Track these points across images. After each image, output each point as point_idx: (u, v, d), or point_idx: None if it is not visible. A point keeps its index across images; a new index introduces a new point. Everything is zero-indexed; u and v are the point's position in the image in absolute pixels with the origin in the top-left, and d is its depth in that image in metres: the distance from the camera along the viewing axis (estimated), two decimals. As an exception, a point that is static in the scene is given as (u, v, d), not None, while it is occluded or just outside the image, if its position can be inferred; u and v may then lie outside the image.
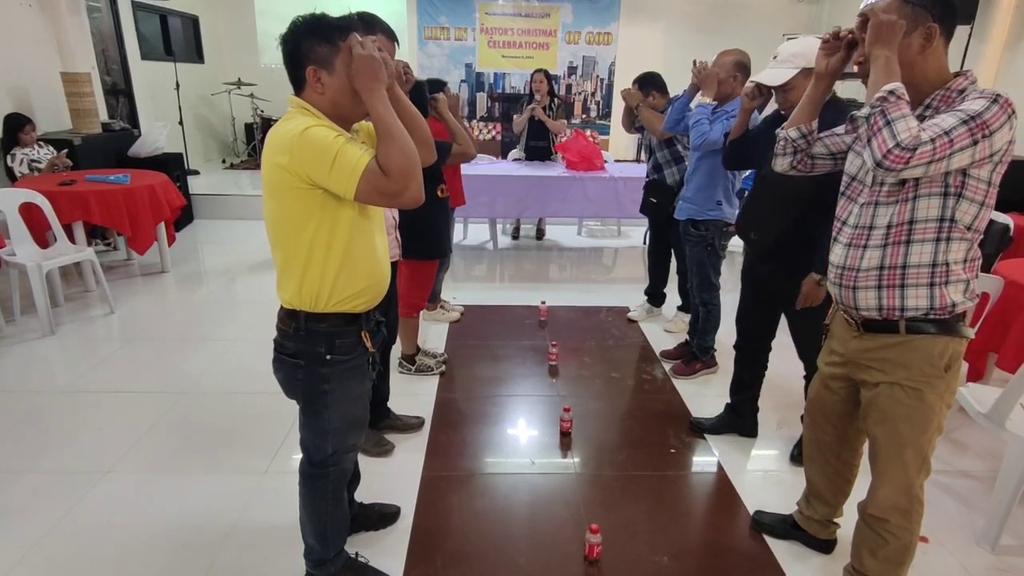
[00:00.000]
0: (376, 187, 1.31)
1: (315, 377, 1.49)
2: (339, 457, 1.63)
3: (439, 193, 2.71)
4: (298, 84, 1.40)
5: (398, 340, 2.83)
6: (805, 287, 2.10)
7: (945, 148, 1.28)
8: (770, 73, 2.09)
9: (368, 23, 1.91)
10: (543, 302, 3.82)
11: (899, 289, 1.46)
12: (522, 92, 7.97)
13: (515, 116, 5.31)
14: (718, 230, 2.91)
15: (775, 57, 2.11)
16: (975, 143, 1.28)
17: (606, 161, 5.37)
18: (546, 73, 5.06)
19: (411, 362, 3.06)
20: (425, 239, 2.69)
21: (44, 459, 2.34)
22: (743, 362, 2.51)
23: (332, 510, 1.69)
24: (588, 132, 8.68)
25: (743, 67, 2.77)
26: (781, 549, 2.00)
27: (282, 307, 1.50)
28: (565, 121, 5.24)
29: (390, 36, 2.00)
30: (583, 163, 4.92)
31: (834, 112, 1.89)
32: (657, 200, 3.49)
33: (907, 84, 1.36)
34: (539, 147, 5.28)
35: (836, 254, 1.58)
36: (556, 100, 5.09)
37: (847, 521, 1.92)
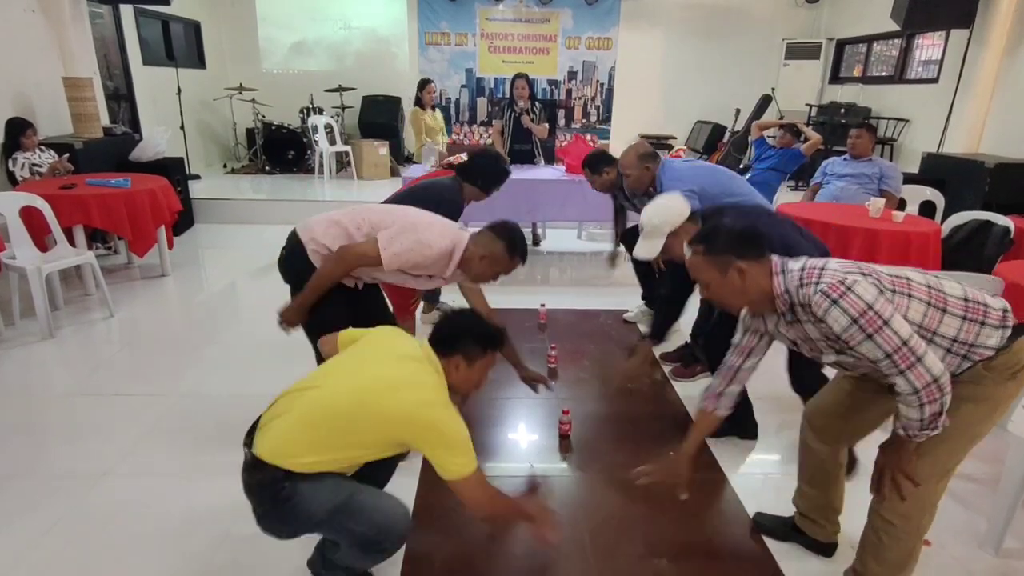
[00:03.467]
0: (474, 489, 1.48)
1: (279, 503, 1.45)
2: (382, 531, 1.55)
3: None
4: (446, 351, 1.58)
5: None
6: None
7: (911, 351, 1.35)
8: (643, 247, 2.29)
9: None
10: (542, 305, 3.82)
11: (941, 399, 1.41)
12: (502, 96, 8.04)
13: (494, 121, 5.38)
14: None
15: (641, 230, 2.33)
16: (887, 321, 1.35)
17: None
18: (527, 78, 5.16)
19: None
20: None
21: (43, 463, 2.34)
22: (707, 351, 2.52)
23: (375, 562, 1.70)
24: (588, 137, 8.74)
25: (646, 156, 2.90)
26: (781, 551, 1.98)
27: (255, 459, 1.45)
28: (547, 125, 5.31)
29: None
30: (581, 167, 4.91)
31: None
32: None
33: (752, 304, 1.57)
34: (523, 151, 5.33)
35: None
36: (537, 104, 5.17)
37: (847, 526, 1.92)
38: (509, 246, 2.11)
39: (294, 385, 1.58)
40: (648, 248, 2.27)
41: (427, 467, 2.37)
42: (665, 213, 2.25)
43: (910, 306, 1.42)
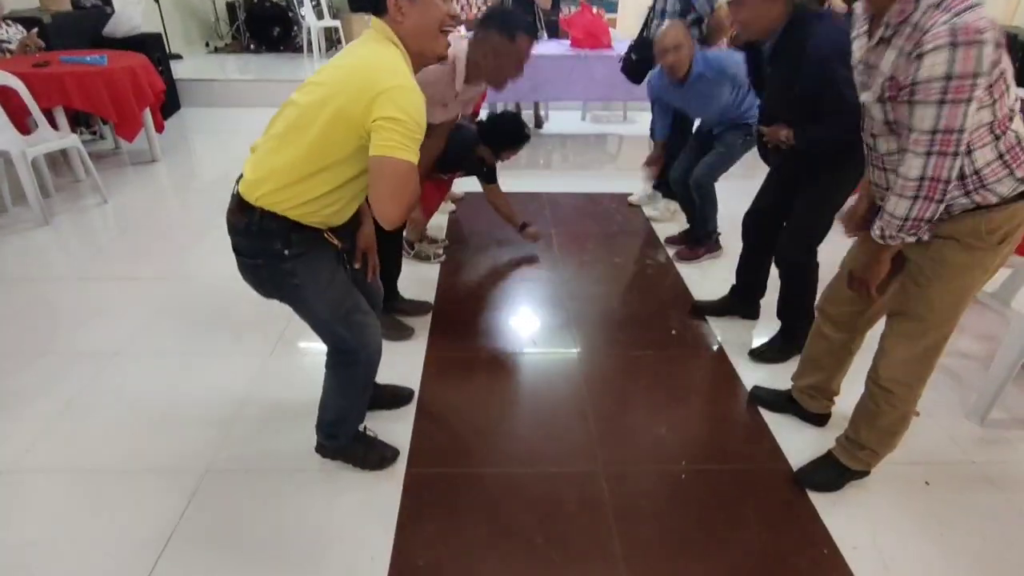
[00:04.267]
0: (395, 180, 1.27)
1: (280, 274, 1.44)
2: (365, 344, 1.60)
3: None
4: (377, 8, 1.37)
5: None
6: (774, 132, 2.07)
7: (948, 143, 1.25)
8: None
9: None
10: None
11: (937, 203, 1.35)
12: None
13: None
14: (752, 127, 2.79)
15: None
16: (969, 100, 1.21)
17: (612, 39, 5.03)
18: None
19: (410, 247, 3.03)
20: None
21: (53, 344, 2.37)
22: (751, 233, 2.44)
23: (359, 397, 1.73)
24: (594, 9, 8.12)
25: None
26: (776, 421, 2.06)
27: (238, 197, 1.42)
28: None
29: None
30: (589, 40, 4.61)
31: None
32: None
33: None
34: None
35: (872, 174, 1.56)
36: None
37: (842, 401, 1.97)
38: (507, 30, 1.95)
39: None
40: None
41: (436, 329, 2.43)
42: None
43: (984, 108, 1.27)
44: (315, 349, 2.38)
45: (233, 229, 1.45)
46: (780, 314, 2.40)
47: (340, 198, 1.42)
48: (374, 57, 1.33)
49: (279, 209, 1.38)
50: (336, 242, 1.51)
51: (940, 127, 1.24)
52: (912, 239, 1.39)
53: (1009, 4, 5.21)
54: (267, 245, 1.41)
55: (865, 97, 1.43)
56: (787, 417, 2.07)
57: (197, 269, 2.93)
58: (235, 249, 1.47)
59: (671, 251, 3.22)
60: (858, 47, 1.46)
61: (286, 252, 1.41)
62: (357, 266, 1.70)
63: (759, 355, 2.41)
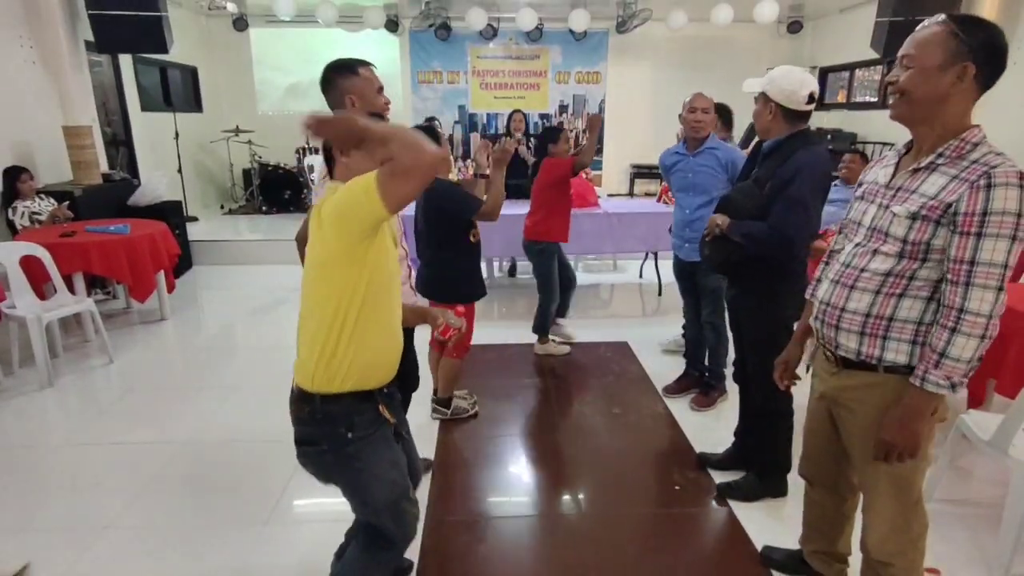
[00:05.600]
0: (393, 174, 1.22)
1: (344, 459, 1.47)
2: (405, 532, 1.59)
3: (471, 238, 2.81)
4: (330, 169, 1.52)
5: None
6: (712, 221, 2.24)
7: (1007, 280, 1.27)
8: (752, 81, 2.20)
9: None
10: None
11: (881, 340, 1.45)
12: (497, 133, 8.25)
13: (506, 142, 5.55)
14: None
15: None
16: (1016, 240, 1.27)
17: (599, 197, 5.45)
18: (523, 113, 5.59)
19: (447, 406, 3.03)
20: (461, 284, 2.81)
21: (43, 515, 2.31)
22: (739, 387, 2.52)
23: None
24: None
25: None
26: (792, 586, 1.97)
27: (296, 391, 1.48)
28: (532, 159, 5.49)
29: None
30: (577, 200, 4.97)
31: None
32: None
33: (925, 121, 1.37)
34: (517, 185, 5.41)
35: (823, 289, 1.59)
36: (532, 139, 5.38)
37: (856, 558, 1.91)
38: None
39: None
40: (752, 84, 2.16)
41: (436, 490, 2.37)
42: (783, 78, 2.06)
43: None
44: (312, 516, 2.32)
45: (297, 420, 1.49)
46: (754, 456, 2.45)
47: (379, 349, 1.44)
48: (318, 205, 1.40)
49: (333, 387, 1.41)
50: (391, 417, 1.53)
51: (1010, 263, 1.26)
52: (963, 387, 1.34)
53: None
54: (331, 430, 1.44)
55: (897, 210, 1.40)
56: (803, 580, 1.98)
57: (195, 431, 2.92)
58: (298, 441, 1.49)
59: (668, 401, 3.24)
60: (883, 175, 1.49)
61: (349, 435, 1.44)
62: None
63: (730, 491, 2.41)
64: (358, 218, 1.28)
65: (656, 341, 4.01)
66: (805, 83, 2.07)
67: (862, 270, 1.48)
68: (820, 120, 8.33)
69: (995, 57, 1.32)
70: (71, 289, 3.81)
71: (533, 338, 3.92)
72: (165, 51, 5.24)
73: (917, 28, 1.38)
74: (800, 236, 2.10)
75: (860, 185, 1.59)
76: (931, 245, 1.36)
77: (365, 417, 1.47)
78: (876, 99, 7.59)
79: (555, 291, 3.77)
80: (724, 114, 3.52)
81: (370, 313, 1.40)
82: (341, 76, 1.95)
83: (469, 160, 8.81)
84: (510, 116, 5.57)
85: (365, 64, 2.00)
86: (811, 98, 2.06)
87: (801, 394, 2.08)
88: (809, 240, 2.16)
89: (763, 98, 2.11)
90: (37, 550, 2.11)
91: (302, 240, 2.03)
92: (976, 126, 1.36)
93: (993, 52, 1.31)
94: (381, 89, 2.03)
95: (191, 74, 7.83)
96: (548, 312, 3.81)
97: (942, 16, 1.35)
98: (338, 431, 1.44)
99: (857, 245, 1.52)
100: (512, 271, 5.83)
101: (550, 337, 3.91)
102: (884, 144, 7.04)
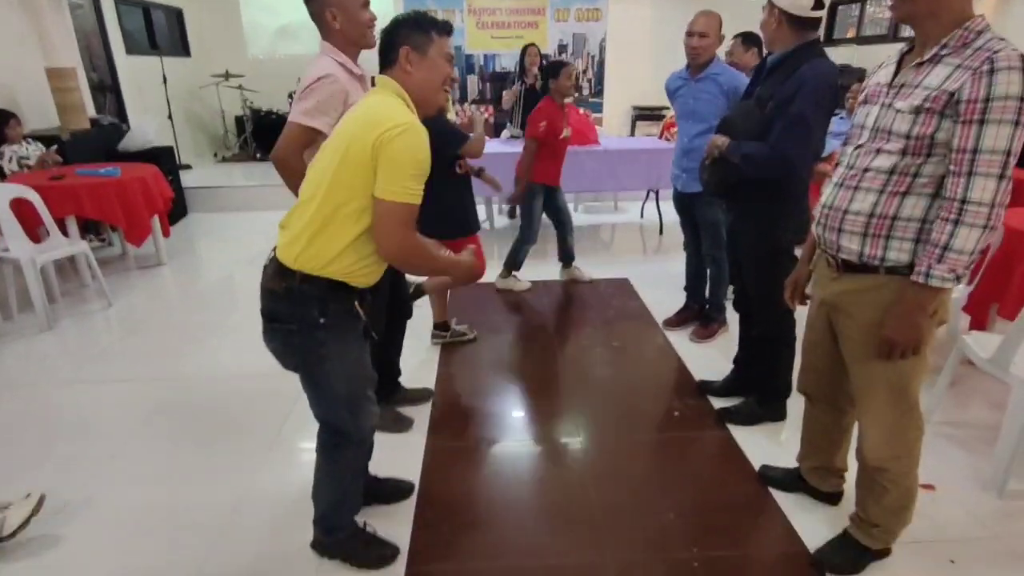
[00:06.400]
0: (395, 219, 1.37)
1: (311, 342, 1.46)
2: (361, 426, 1.61)
3: (457, 169, 2.72)
4: (387, 62, 1.48)
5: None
6: (712, 142, 2.17)
7: (1011, 167, 1.24)
8: None
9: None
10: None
11: (884, 239, 1.43)
12: (511, 70, 7.93)
13: (504, 92, 5.30)
14: None
15: None
16: (1020, 125, 1.22)
17: (599, 134, 5.32)
18: (538, 48, 5.11)
19: (445, 329, 3.09)
20: (450, 217, 2.73)
21: (51, 450, 2.34)
22: (740, 316, 2.51)
23: (351, 482, 1.70)
24: (582, 111, 8.65)
25: (721, 26, 2.84)
26: (788, 501, 2.00)
27: (275, 264, 1.47)
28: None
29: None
30: (577, 137, 4.87)
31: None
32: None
33: (930, 14, 1.31)
34: None
35: (826, 194, 1.56)
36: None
37: (852, 474, 1.92)
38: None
39: None
40: None
41: (436, 418, 2.39)
42: None
43: None
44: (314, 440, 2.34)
45: (270, 295, 1.47)
46: (755, 382, 2.45)
47: (366, 253, 1.45)
48: (378, 104, 1.43)
49: (315, 268, 1.41)
50: (363, 314, 1.53)
51: (1014, 149, 1.23)
52: (964, 280, 1.34)
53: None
54: (304, 311, 1.43)
55: (900, 105, 1.37)
56: (800, 496, 2.01)
57: (196, 369, 2.93)
58: (268, 315, 1.48)
59: (668, 334, 3.24)
60: (884, 75, 1.46)
61: (321, 320, 1.44)
62: None
63: (729, 415, 2.43)
64: (379, 173, 1.35)
65: (657, 277, 3.98)
66: None
67: (865, 170, 1.44)
68: (830, 56, 8.05)
69: None
70: (64, 233, 3.77)
71: (538, 275, 3.91)
72: (146, -13, 5.03)
73: None
74: (801, 157, 2.02)
75: (863, 90, 1.53)
76: (935, 139, 1.32)
77: (339, 306, 1.46)
78: (886, 33, 7.32)
79: (533, 231, 3.73)
80: (754, 42, 3.37)
81: (369, 241, 1.43)
82: None
83: (467, 104, 8.60)
84: (523, 51, 5.17)
85: None
86: (818, 2, 1.95)
87: (803, 319, 2.06)
88: (811, 161, 2.08)
89: (769, 6, 2.01)
90: (48, 483, 2.13)
91: (279, 161, 1.98)
92: (980, 15, 1.30)
93: None
94: (366, 4, 1.93)
95: (176, 16, 7.55)
96: (520, 249, 3.80)
97: None
98: (311, 313, 1.43)
99: (859, 147, 1.48)
100: (512, 213, 5.76)
101: (512, 273, 3.90)
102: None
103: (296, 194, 1.86)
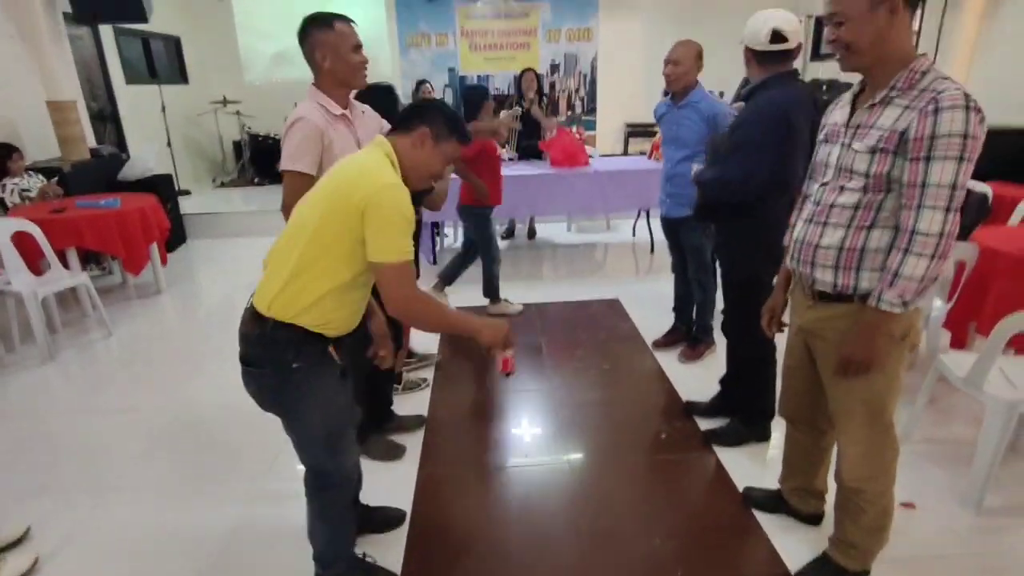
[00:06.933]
0: (397, 279, 1.42)
1: (286, 386, 1.49)
2: (342, 466, 1.65)
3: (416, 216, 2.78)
4: (402, 126, 1.54)
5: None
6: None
7: (959, 200, 1.32)
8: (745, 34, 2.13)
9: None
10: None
11: (855, 271, 1.50)
12: (507, 93, 8.03)
13: (502, 113, 5.39)
14: None
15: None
16: (973, 162, 1.31)
17: (591, 156, 5.41)
18: (535, 72, 5.21)
19: (410, 356, 3.14)
20: None
21: (49, 480, 2.39)
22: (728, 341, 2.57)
23: (342, 518, 1.74)
24: (575, 128, 8.76)
25: (700, 56, 2.88)
26: (771, 523, 2.04)
27: (250, 310, 1.51)
28: (555, 118, 5.34)
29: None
30: (567, 160, 4.97)
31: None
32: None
33: (877, 62, 1.40)
34: (531, 145, 5.35)
35: (797, 229, 1.63)
36: (545, 98, 5.20)
37: (832, 495, 1.97)
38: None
39: None
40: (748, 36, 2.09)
41: (428, 444, 2.44)
42: (755, 21, 2.04)
43: None
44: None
45: (245, 339, 1.51)
46: (738, 404, 2.51)
47: (342, 303, 1.49)
48: (366, 163, 1.47)
49: (288, 316, 1.45)
50: (339, 359, 1.56)
51: (959, 183, 1.30)
52: (917, 304, 1.42)
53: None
54: (277, 355, 1.46)
55: (857, 146, 1.44)
56: (782, 517, 2.06)
57: (195, 396, 2.99)
58: (244, 359, 1.52)
59: (657, 354, 3.30)
60: (840, 116, 1.53)
61: (295, 364, 1.47)
62: (379, 358, 1.80)
63: (715, 437, 2.49)
64: (367, 234, 1.40)
65: (647, 297, 4.05)
66: (768, 20, 2.02)
67: (831, 206, 1.52)
68: (816, 71, 8.18)
69: None
70: (65, 265, 3.84)
71: (530, 297, 3.97)
72: (144, 20, 5.15)
73: None
74: (751, 180, 2.05)
75: (823, 128, 1.61)
76: (891, 176, 1.40)
77: (314, 348, 1.49)
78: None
79: (495, 251, 3.79)
80: None
81: (344, 293, 1.48)
82: (316, 28, 1.95)
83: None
84: (520, 76, 5.25)
85: (343, 19, 1.98)
86: (775, 36, 2.01)
87: (783, 340, 2.12)
88: (777, 188, 2.08)
89: (744, 46, 2.11)
90: (43, 514, 2.19)
91: (288, 210, 2.03)
92: (922, 55, 1.39)
93: None
94: (358, 47, 2.00)
95: (174, 44, 7.69)
96: (493, 273, 3.84)
97: None
98: (284, 357, 1.46)
99: (824, 185, 1.56)
100: (509, 233, 5.83)
101: (503, 299, 3.95)
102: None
103: None
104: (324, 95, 1.99)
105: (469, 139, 1.61)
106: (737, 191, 2.10)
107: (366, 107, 2.19)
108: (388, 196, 1.39)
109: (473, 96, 3.56)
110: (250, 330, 1.49)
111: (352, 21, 2.00)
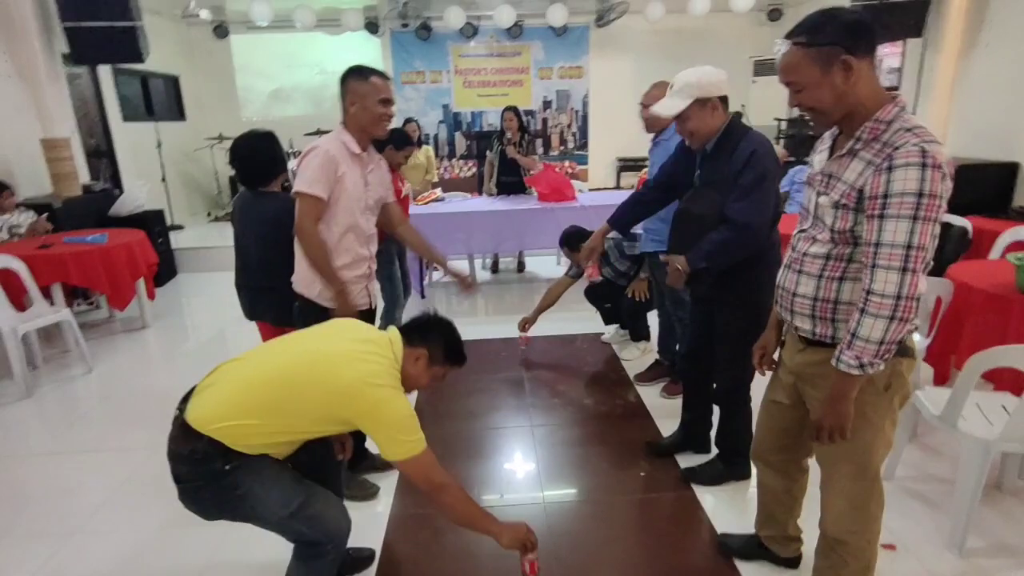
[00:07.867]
0: (415, 470, 1.54)
1: (223, 490, 1.45)
2: (325, 529, 1.60)
3: None
4: (410, 339, 1.65)
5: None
6: (671, 264, 2.15)
7: (919, 260, 1.27)
8: (666, 103, 2.12)
9: None
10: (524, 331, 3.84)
11: (831, 322, 1.47)
12: (500, 128, 8.16)
13: (488, 153, 5.48)
14: None
15: (671, 87, 2.15)
16: (935, 221, 1.26)
17: (579, 191, 5.47)
18: (516, 110, 5.22)
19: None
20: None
21: (17, 523, 2.34)
22: (688, 374, 2.55)
23: None
24: (567, 163, 8.88)
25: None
26: (748, 570, 1.99)
27: (182, 427, 1.45)
28: (536, 156, 5.38)
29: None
30: (554, 194, 5.01)
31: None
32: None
33: (846, 116, 1.36)
34: (511, 182, 5.40)
35: (779, 274, 1.62)
36: (526, 136, 5.25)
37: (811, 537, 1.93)
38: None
39: (236, 357, 1.60)
40: (670, 105, 2.09)
41: (403, 483, 2.38)
42: (704, 75, 2.07)
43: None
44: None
45: (174, 457, 1.47)
46: (716, 443, 2.48)
47: (292, 444, 1.56)
48: (371, 353, 1.53)
49: (228, 441, 1.43)
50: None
51: (914, 243, 1.24)
52: (882, 367, 1.34)
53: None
54: (207, 468, 1.44)
55: (822, 200, 1.44)
56: (760, 564, 2.00)
57: (163, 436, 2.94)
58: (175, 478, 1.48)
59: (640, 389, 3.27)
60: (819, 160, 1.51)
61: (226, 468, 1.44)
62: (341, 457, 1.84)
63: (694, 475, 2.44)
64: (375, 434, 1.50)
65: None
66: (706, 70, 2.10)
67: (804, 254, 1.50)
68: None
69: (858, 30, 1.31)
70: (49, 299, 3.84)
71: (515, 333, 3.94)
72: (140, 60, 5.25)
73: (776, 55, 1.39)
74: (762, 224, 2.04)
75: (808, 171, 1.59)
76: (855, 231, 1.38)
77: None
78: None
79: (397, 292, 3.61)
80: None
81: (301, 438, 1.56)
82: (353, 78, 2.14)
83: (455, 159, 8.82)
84: (502, 115, 5.26)
85: (380, 75, 2.15)
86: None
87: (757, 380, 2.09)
88: (770, 225, 2.09)
89: (697, 104, 2.06)
90: (5, 559, 2.13)
91: (302, 231, 2.11)
92: (895, 98, 1.34)
93: (852, 29, 1.31)
94: (386, 102, 2.15)
95: (173, 83, 7.84)
96: (392, 317, 3.62)
97: (785, 41, 1.36)
98: (213, 466, 1.43)
99: (801, 232, 1.55)
100: (494, 268, 5.86)
101: None
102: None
103: (315, 266, 2.09)
104: (347, 134, 2.18)
105: (463, 364, 1.75)
106: (756, 238, 2.03)
107: (380, 157, 2.39)
108: (381, 395, 1.47)
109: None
110: (181, 447, 1.45)
111: (388, 78, 2.18)
